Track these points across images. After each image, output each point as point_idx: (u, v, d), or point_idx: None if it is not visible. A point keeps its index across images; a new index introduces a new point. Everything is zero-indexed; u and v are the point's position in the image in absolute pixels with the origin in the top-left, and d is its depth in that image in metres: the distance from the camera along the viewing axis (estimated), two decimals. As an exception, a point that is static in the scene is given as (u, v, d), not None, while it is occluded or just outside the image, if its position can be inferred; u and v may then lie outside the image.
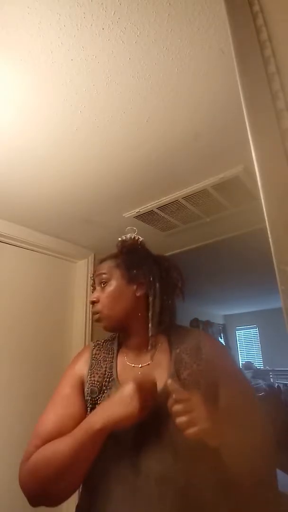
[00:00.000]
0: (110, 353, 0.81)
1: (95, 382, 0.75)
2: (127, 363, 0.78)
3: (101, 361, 0.79)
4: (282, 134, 0.40)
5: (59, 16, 0.73)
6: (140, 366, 0.76)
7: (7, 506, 1.40)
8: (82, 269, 2.09)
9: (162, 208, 1.59)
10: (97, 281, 0.83)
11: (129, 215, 1.65)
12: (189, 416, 0.57)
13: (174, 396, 0.60)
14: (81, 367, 0.79)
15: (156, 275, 0.80)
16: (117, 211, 1.63)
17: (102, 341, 0.86)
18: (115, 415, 0.60)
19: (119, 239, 0.91)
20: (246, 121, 0.43)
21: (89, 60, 0.84)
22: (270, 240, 0.37)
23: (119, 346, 0.83)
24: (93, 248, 2.11)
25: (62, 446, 0.62)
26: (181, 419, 0.57)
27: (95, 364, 0.79)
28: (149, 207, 1.58)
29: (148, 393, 0.62)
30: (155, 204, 1.56)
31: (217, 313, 6.61)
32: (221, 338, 6.48)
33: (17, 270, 1.75)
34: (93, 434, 0.60)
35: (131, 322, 0.79)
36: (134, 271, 0.80)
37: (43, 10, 0.72)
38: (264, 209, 0.39)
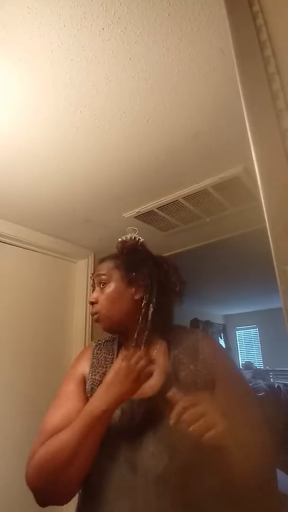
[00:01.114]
0: (110, 353, 0.82)
1: (96, 381, 0.75)
2: None
3: (102, 361, 0.80)
4: (282, 134, 0.40)
5: (59, 16, 0.73)
6: None
7: (7, 505, 1.40)
8: (82, 269, 2.09)
9: (162, 208, 1.59)
10: (97, 282, 0.83)
11: (129, 215, 1.65)
12: (203, 421, 0.55)
13: (180, 404, 0.57)
14: (83, 366, 0.80)
15: (155, 278, 0.81)
16: (117, 211, 1.63)
17: (103, 341, 0.87)
18: (115, 395, 0.63)
19: (119, 239, 0.90)
20: (246, 121, 0.43)
21: (89, 60, 0.84)
22: (270, 240, 0.37)
23: (119, 346, 0.83)
24: (93, 248, 2.11)
25: (70, 433, 0.63)
26: (195, 426, 0.55)
27: (96, 363, 0.80)
28: (149, 207, 1.58)
29: (135, 365, 0.65)
30: (155, 204, 1.56)
31: (217, 313, 6.61)
32: (221, 338, 6.48)
33: (17, 270, 1.75)
34: (100, 415, 0.62)
35: (129, 324, 0.79)
36: (133, 273, 0.80)
37: (43, 10, 0.72)
38: (264, 209, 0.39)
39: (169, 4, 0.72)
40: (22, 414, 1.55)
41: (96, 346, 0.85)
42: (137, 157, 1.22)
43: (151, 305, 0.78)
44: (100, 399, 0.64)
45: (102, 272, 0.82)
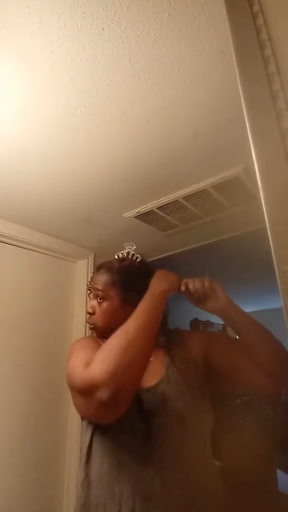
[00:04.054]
0: None
1: None
2: None
3: None
4: (282, 134, 0.40)
5: (59, 16, 0.73)
6: None
7: (7, 506, 1.40)
8: (82, 269, 2.09)
9: (162, 208, 1.59)
10: (93, 294, 0.87)
11: (129, 215, 1.65)
12: (207, 287, 0.78)
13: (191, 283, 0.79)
14: (96, 346, 0.80)
15: None
16: (117, 211, 1.63)
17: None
18: (164, 286, 0.76)
19: (116, 256, 0.92)
20: (246, 121, 0.43)
21: (89, 60, 0.84)
22: (270, 240, 0.37)
23: None
24: (93, 248, 2.10)
25: (133, 320, 0.69)
26: (200, 290, 0.77)
27: None
28: (149, 207, 1.58)
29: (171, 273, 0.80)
30: (155, 204, 1.56)
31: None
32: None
33: (17, 270, 1.74)
34: (162, 295, 0.75)
35: None
36: (129, 293, 0.83)
37: (43, 10, 0.72)
38: (264, 209, 0.39)
39: (169, 4, 0.72)
40: (21, 413, 1.55)
41: (102, 338, 0.86)
42: (137, 157, 1.22)
43: None
44: (157, 284, 0.76)
45: (99, 288, 0.85)
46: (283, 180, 0.38)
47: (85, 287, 2.01)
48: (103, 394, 0.58)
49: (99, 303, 0.85)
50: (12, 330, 1.63)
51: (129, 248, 0.92)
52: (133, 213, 1.63)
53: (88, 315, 0.87)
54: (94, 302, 0.86)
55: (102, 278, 0.86)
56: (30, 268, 1.82)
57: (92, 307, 0.86)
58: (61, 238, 1.93)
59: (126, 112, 1.01)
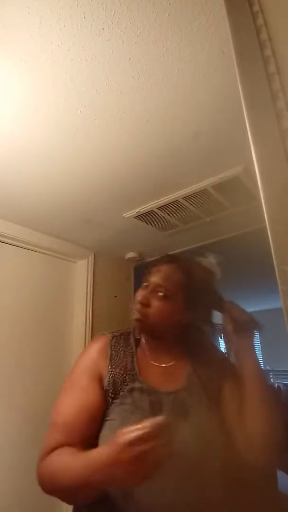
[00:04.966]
0: (128, 347, 0.81)
1: (117, 374, 0.75)
2: (151, 362, 0.79)
3: (121, 353, 0.79)
4: (282, 134, 0.40)
5: (59, 16, 0.73)
6: (164, 365, 0.79)
7: (7, 506, 1.40)
8: (82, 269, 2.09)
9: (162, 208, 1.59)
10: (154, 287, 0.79)
11: (129, 215, 1.65)
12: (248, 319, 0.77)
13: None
14: (101, 359, 0.79)
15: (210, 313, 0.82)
16: (117, 211, 1.63)
17: (119, 333, 0.85)
18: (115, 477, 0.52)
19: (200, 259, 0.86)
20: (246, 121, 0.43)
21: (89, 60, 0.84)
22: (270, 240, 0.37)
23: (136, 341, 0.84)
24: (93, 248, 2.10)
25: (75, 466, 0.59)
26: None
27: (115, 356, 0.79)
28: (149, 207, 1.58)
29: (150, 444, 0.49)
30: (155, 204, 1.56)
31: (217, 313, 6.59)
32: (221, 338, 6.46)
33: (17, 270, 1.75)
34: (102, 469, 0.54)
35: (166, 335, 0.81)
36: (196, 303, 0.78)
37: (43, 10, 0.72)
38: (264, 209, 0.39)
39: (169, 4, 0.72)
40: (21, 413, 1.55)
41: (113, 338, 0.83)
42: (137, 157, 1.22)
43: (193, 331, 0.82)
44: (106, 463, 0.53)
45: (168, 286, 0.78)
46: (283, 180, 0.38)
47: (85, 287, 2.02)
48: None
49: (159, 298, 0.77)
50: (12, 330, 1.63)
51: (213, 260, 0.86)
52: (133, 213, 1.63)
53: (139, 305, 0.77)
54: (149, 294, 0.78)
55: (173, 277, 0.79)
56: (30, 268, 1.82)
57: (147, 298, 0.78)
58: (61, 238, 1.93)
59: (126, 112, 1.01)
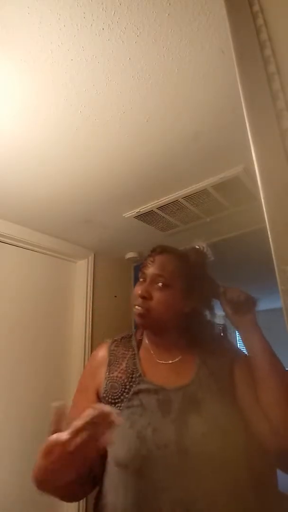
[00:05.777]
0: (130, 349, 0.81)
1: (115, 378, 0.75)
2: (157, 360, 0.79)
3: (120, 358, 0.79)
4: (282, 134, 0.40)
5: (59, 16, 0.73)
6: (170, 362, 0.78)
7: (7, 506, 1.40)
8: (82, 269, 2.09)
9: (162, 208, 1.59)
10: (153, 277, 0.76)
11: (129, 215, 1.65)
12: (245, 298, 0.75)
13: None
14: (99, 368, 0.80)
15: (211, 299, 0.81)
16: (117, 211, 1.63)
17: (120, 338, 0.85)
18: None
19: (195, 246, 0.84)
20: (246, 121, 0.43)
21: (89, 60, 0.84)
22: (270, 240, 0.37)
23: (138, 342, 0.83)
24: (93, 248, 2.10)
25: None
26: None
27: (114, 360, 0.79)
28: (149, 207, 1.58)
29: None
30: (155, 204, 1.56)
31: (217, 313, 6.59)
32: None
33: (17, 270, 1.75)
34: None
35: (169, 328, 0.80)
36: (195, 290, 0.77)
37: (43, 10, 0.72)
38: (264, 209, 0.39)
39: (169, 4, 0.72)
40: (21, 414, 1.55)
41: (112, 342, 0.84)
42: (137, 157, 1.22)
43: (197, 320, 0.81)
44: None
45: (165, 275, 0.76)
46: (283, 180, 0.39)
47: (85, 287, 2.02)
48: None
49: (159, 289, 0.75)
50: (12, 330, 1.63)
51: (202, 243, 0.85)
52: (133, 213, 1.63)
53: (141, 299, 0.75)
54: (148, 287, 0.76)
55: (170, 265, 0.77)
56: (30, 268, 1.82)
57: (147, 291, 0.75)
58: (61, 238, 1.93)
59: (126, 112, 1.01)
